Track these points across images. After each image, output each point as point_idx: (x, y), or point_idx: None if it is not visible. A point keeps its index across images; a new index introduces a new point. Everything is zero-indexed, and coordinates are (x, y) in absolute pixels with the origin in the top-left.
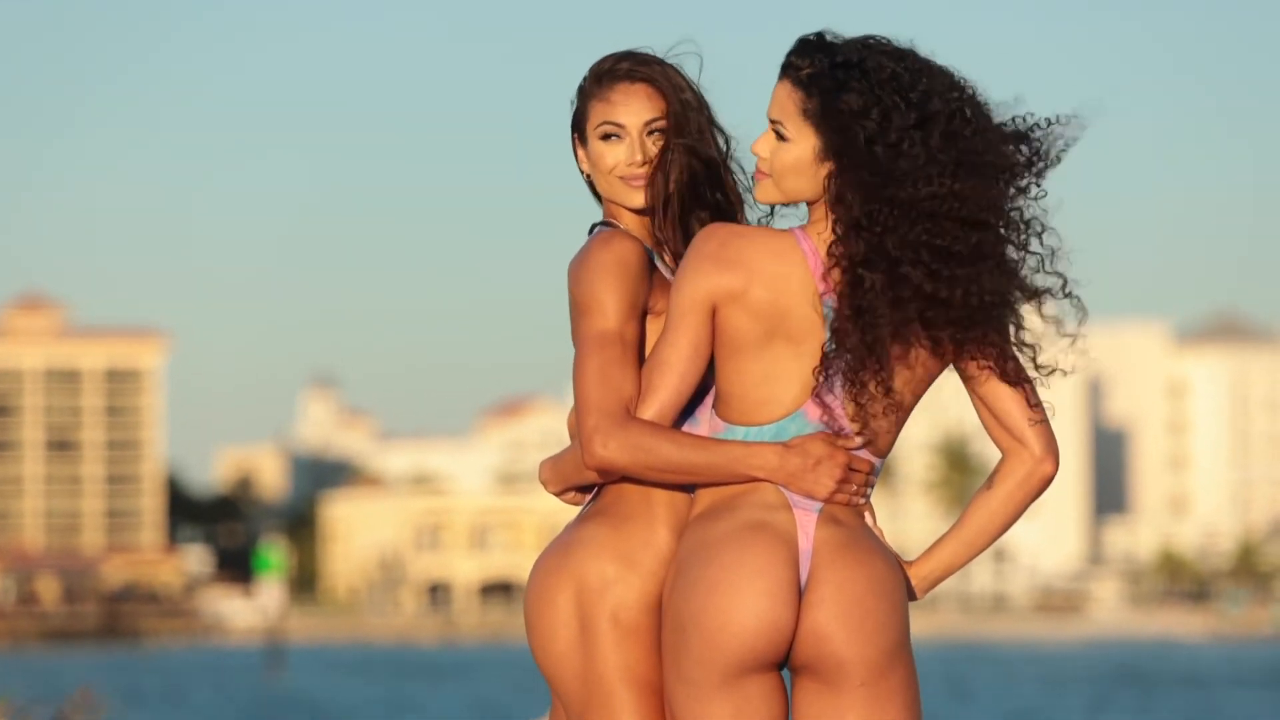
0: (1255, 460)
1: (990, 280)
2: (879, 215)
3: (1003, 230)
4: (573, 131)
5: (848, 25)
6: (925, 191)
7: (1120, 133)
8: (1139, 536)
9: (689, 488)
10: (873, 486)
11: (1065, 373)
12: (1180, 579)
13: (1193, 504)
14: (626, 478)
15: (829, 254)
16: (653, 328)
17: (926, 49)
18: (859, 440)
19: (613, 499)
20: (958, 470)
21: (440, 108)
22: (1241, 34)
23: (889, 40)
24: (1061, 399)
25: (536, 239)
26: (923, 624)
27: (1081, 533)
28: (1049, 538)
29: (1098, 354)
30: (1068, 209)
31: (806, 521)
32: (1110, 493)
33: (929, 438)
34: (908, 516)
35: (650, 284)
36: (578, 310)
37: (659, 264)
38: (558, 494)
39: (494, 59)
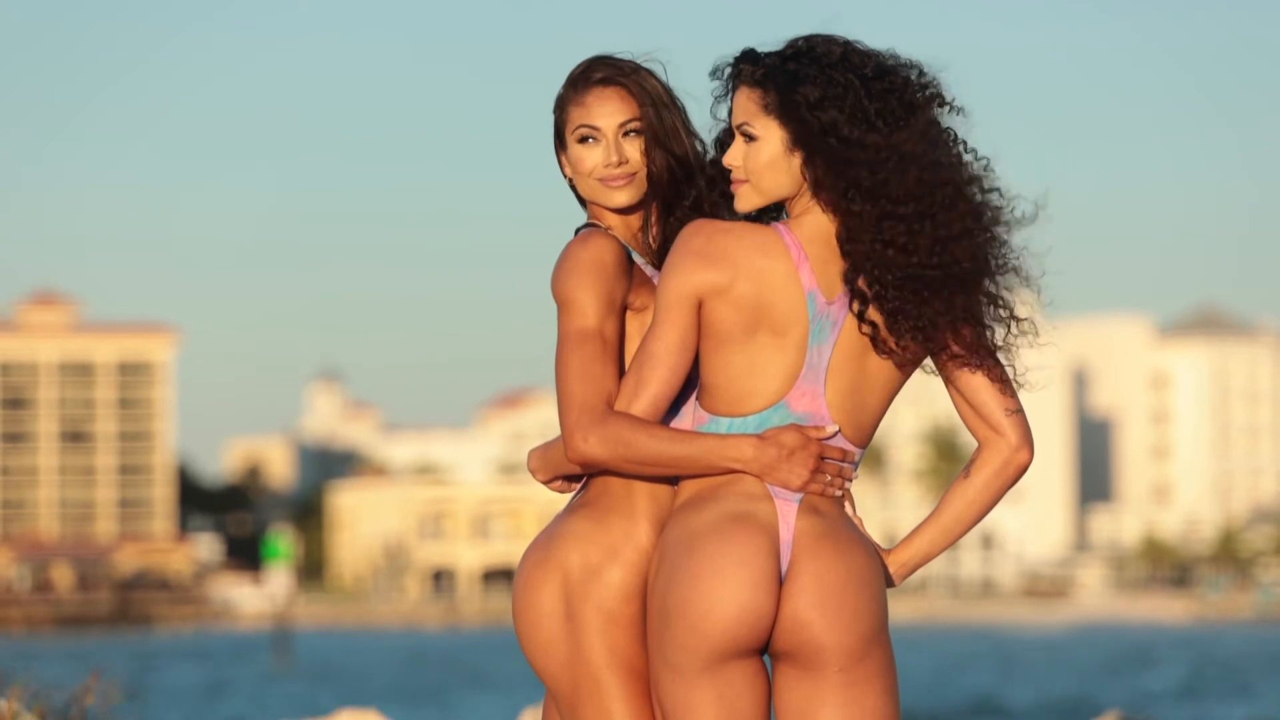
0: (1235, 450)
1: (961, 250)
2: (854, 194)
3: (967, 200)
4: (554, 137)
5: (845, 29)
6: (887, 169)
7: (1104, 128)
8: (1123, 524)
9: (671, 481)
10: (852, 478)
11: (1042, 341)
12: (1163, 565)
13: (1175, 492)
14: (609, 471)
15: (836, 239)
16: (633, 323)
17: (925, 52)
18: (833, 429)
19: (597, 493)
20: (946, 459)
21: (443, 103)
22: (1226, 29)
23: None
24: (1047, 391)
25: (537, 234)
26: (913, 608)
27: (1067, 520)
28: (1036, 525)
29: (1082, 347)
30: (1052, 204)
31: (787, 511)
32: (1095, 481)
33: (918, 427)
34: (897, 505)
35: (630, 281)
36: (558, 309)
37: (639, 261)
38: (546, 482)
39: (494, 57)
